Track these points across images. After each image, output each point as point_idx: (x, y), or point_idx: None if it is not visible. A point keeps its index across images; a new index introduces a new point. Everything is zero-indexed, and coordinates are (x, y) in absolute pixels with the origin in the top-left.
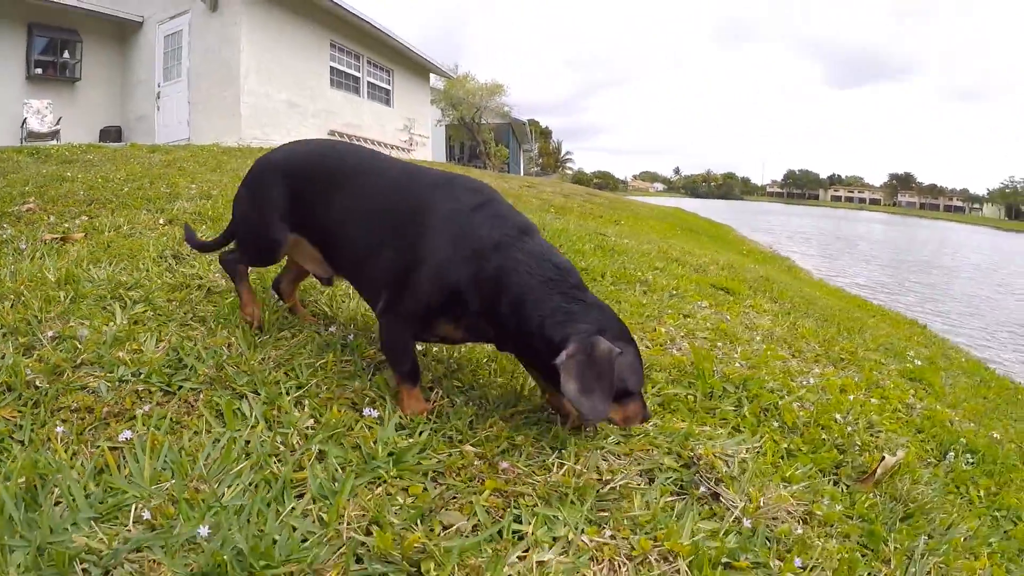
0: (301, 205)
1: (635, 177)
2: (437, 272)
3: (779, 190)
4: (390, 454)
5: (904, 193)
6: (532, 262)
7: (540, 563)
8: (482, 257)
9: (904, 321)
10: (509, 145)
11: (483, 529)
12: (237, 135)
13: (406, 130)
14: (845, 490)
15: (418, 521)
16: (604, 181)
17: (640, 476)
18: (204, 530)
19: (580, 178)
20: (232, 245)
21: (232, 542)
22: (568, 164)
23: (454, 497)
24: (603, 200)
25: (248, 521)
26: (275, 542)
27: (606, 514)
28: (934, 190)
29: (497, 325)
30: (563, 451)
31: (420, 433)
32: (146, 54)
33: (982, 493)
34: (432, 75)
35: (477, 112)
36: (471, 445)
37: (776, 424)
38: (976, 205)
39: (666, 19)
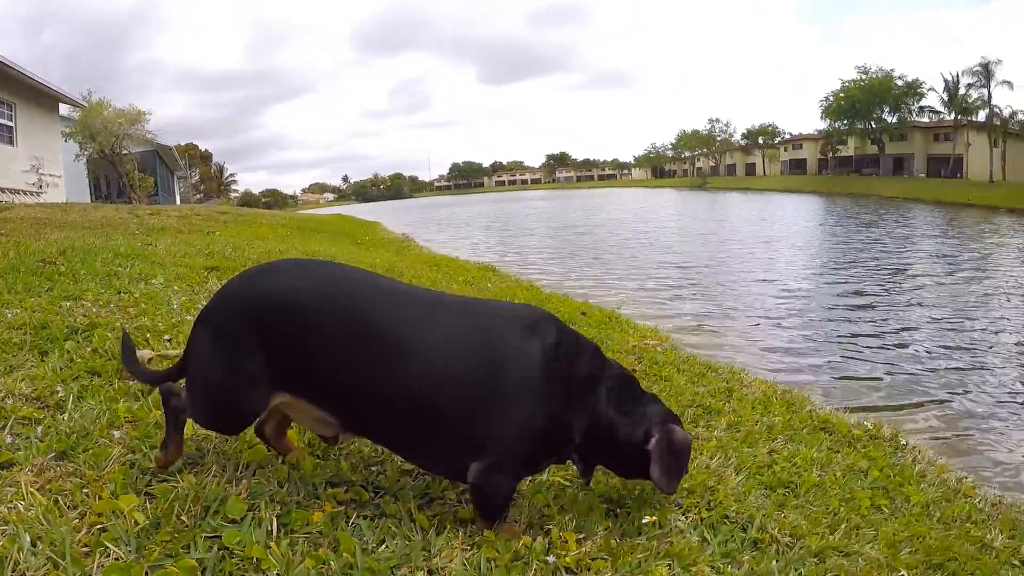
0: (300, 357)
1: (305, 191)
2: (548, 423)
3: (446, 183)
4: None
5: (561, 170)
6: (616, 385)
7: None
8: (582, 394)
9: (482, 268)
10: (157, 173)
11: None
12: None
13: (34, 171)
14: None
15: None
16: (273, 199)
17: None
18: None
19: (248, 199)
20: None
21: None
22: (233, 186)
23: None
24: (229, 217)
25: None
26: None
27: None
28: (588, 163)
29: (589, 447)
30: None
31: None
32: None
33: None
34: (66, 106)
35: (117, 142)
36: None
37: None
38: (626, 171)
39: (320, 31)
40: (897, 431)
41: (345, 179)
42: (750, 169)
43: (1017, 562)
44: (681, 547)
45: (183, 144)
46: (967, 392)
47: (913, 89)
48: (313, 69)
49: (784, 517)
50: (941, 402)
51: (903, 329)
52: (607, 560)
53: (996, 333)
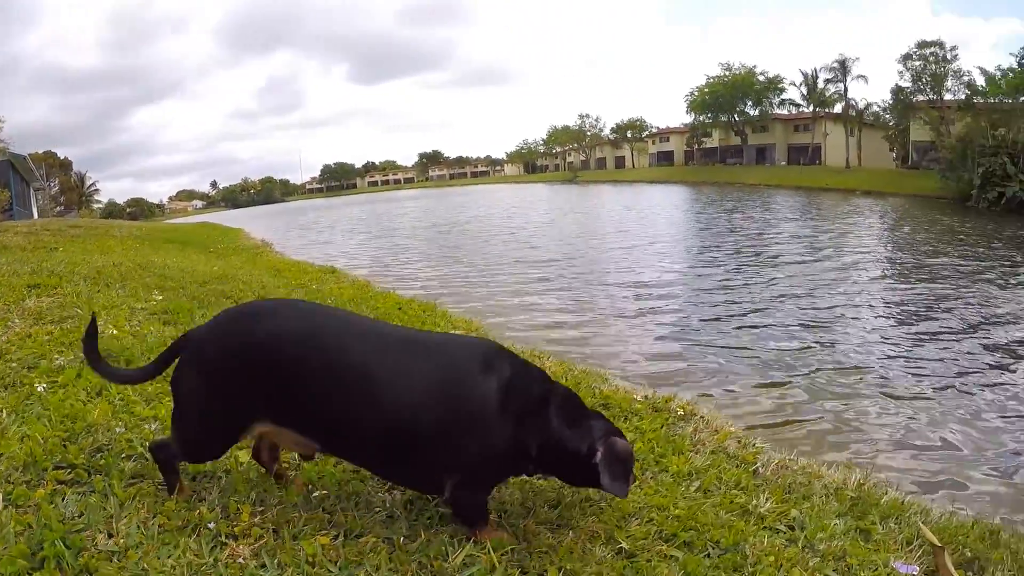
0: (278, 390)
1: (172, 199)
2: (509, 446)
3: (318, 185)
4: None
5: (435, 168)
6: (563, 405)
7: None
8: (537, 417)
9: (323, 270)
10: (12, 186)
11: None
12: None
13: None
14: None
15: None
16: (139, 208)
17: None
18: None
19: (112, 210)
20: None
21: None
22: (96, 197)
23: None
24: (80, 231)
25: None
26: None
27: None
28: (461, 160)
29: (541, 462)
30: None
31: None
32: None
33: None
34: None
35: None
36: None
37: None
38: (499, 168)
39: (185, 26)
40: (692, 404)
41: (214, 185)
42: (620, 162)
43: (783, 526)
44: (357, 520)
45: (40, 152)
46: (818, 371)
47: (774, 84)
48: (179, 68)
49: (496, 494)
50: (789, 380)
51: (762, 313)
52: (268, 530)
53: (860, 317)
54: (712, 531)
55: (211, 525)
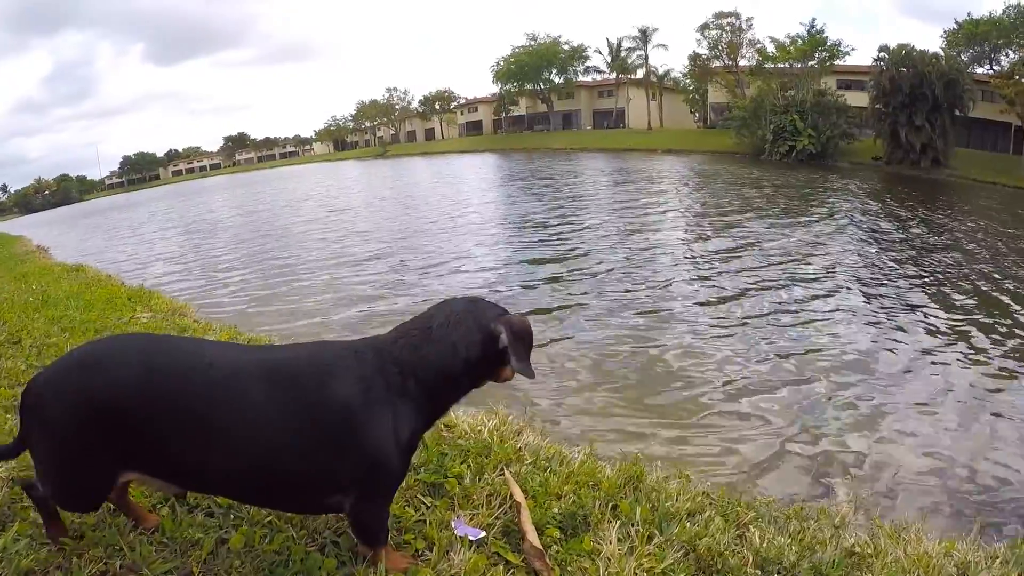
0: (132, 441)
1: None
2: (399, 449)
3: (119, 180)
4: None
5: (241, 151)
6: (432, 349)
7: None
8: (408, 397)
9: (69, 268)
10: None
11: None
12: None
13: None
14: None
15: None
16: None
17: None
18: None
19: None
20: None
21: None
22: None
23: None
24: None
25: None
26: None
27: None
28: (269, 142)
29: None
30: None
31: None
32: None
33: None
34: None
35: None
36: None
37: None
38: (308, 147)
39: None
40: None
41: (4, 189)
42: (429, 134)
43: None
44: None
45: None
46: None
47: (578, 53)
48: None
49: None
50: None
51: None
52: None
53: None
54: None
55: None
